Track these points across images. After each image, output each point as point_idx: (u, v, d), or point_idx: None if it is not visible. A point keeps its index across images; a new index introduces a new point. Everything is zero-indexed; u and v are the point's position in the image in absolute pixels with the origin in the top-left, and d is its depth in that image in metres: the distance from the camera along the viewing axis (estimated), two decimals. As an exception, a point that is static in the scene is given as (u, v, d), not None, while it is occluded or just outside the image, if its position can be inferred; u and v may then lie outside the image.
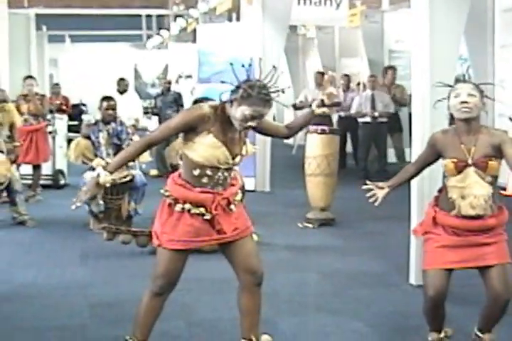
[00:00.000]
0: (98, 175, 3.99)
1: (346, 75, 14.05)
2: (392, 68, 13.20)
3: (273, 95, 3.95)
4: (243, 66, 4.06)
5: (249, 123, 3.97)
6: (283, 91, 4.02)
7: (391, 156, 13.23)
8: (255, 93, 3.88)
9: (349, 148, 13.87)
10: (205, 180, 4.04)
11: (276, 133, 4.40)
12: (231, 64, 4.05)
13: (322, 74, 14.19)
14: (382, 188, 4.57)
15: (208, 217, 4.07)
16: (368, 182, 4.65)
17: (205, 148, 3.97)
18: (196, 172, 4.03)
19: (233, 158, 4.07)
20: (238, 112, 3.92)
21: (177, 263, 4.11)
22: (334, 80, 13.58)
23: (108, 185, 4.02)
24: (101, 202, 7.78)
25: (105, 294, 5.89)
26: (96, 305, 5.60)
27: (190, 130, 3.98)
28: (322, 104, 4.44)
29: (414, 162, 4.67)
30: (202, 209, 4.06)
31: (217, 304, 5.55)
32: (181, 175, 4.12)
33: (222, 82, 4.04)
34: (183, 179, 4.09)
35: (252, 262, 4.20)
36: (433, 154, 4.39)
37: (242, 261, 4.19)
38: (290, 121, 4.63)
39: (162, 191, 4.13)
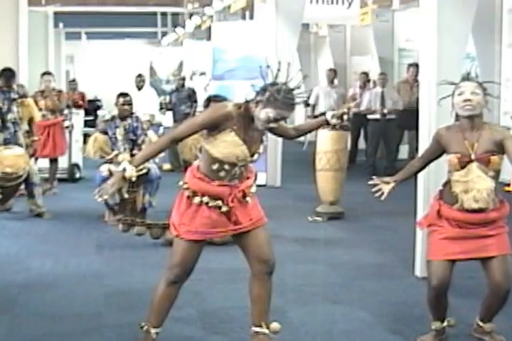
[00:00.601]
0: (124, 169, 4.07)
1: (364, 73, 14.08)
2: (415, 65, 13.04)
3: (297, 100, 4.06)
4: (268, 67, 4.18)
5: (271, 125, 4.11)
6: (308, 98, 4.16)
7: (404, 152, 13.26)
8: (281, 97, 3.99)
9: (363, 144, 13.92)
10: (222, 174, 4.15)
11: (284, 134, 4.56)
12: (260, 67, 4.19)
13: (334, 71, 14.25)
14: (387, 183, 4.65)
15: (225, 209, 4.19)
16: (374, 177, 4.74)
17: (226, 145, 4.08)
18: (215, 166, 4.14)
19: (251, 156, 4.19)
20: (262, 114, 4.03)
21: (193, 253, 4.23)
22: (355, 96, 13.64)
23: (134, 179, 4.11)
24: (126, 195, 7.84)
25: (120, 283, 6.01)
26: (111, 293, 5.71)
27: (213, 127, 4.09)
28: (340, 117, 4.57)
29: (420, 157, 4.77)
30: (219, 202, 4.17)
31: (228, 293, 5.65)
32: (200, 169, 4.22)
33: (252, 85, 4.15)
34: (201, 172, 4.19)
35: (265, 251, 4.31)
36: (438, 149, 4.48)
37: (254, 250, 4.30)
38: (300, 124, 4.81)
39: (181, 183, 4.24)
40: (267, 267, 4.33)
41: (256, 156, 4.22)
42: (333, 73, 14.09)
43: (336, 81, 14.38)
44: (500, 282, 4.26)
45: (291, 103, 4.04)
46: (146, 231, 7.04)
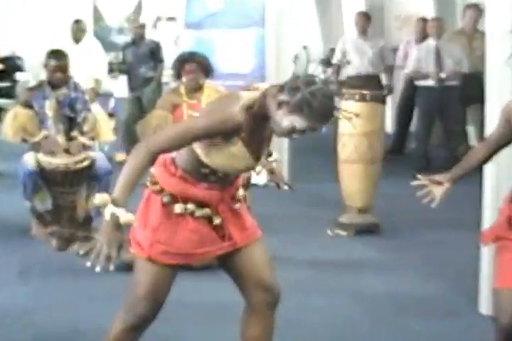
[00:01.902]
0: (114, 216, 3.89)
1: (424, 19, 13.76)
2: (475, 7, 12.90)
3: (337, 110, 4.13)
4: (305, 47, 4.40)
5: (293, 136, 4.18)
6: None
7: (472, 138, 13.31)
8: (317, 104, 3.97)
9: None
10: (213, 178, 4.32)
11: None
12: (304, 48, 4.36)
13: (367, 16, 13.97)
14: (440, 183, 4.76)
15: (218, 221, 4.37)
16: (418, 175, 4.86)
17: (227, 157, 4.20)
18: (205, 171, 4.28)
19: (256, 160, 4.31)
20: (286, 121, 4.06)
21: (166, 281, 4.38)
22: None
23: (134, 222, 4.03)
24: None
25: (55, 322, 6.19)
26: (42, 336, 5.90)
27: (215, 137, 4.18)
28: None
29: (484, 143, 4.86)
30: (207, 210, 4.35)
31: (208, 337, 5.84)
32: (178, 164, 4.35)
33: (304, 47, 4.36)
34: (183, 170, 4.33)
35: (265, 275, 4.47)
36: (509, 131, 4.58)
37: (252, 273, 4.45)
38: None
39: (148, 183, 4.36)
40: (270, 296, 4.48)
41: (260, 160, 4.39)
42: (364, 19, 13.80)
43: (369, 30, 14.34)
44: None
45: (329, 114, 4.06)
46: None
